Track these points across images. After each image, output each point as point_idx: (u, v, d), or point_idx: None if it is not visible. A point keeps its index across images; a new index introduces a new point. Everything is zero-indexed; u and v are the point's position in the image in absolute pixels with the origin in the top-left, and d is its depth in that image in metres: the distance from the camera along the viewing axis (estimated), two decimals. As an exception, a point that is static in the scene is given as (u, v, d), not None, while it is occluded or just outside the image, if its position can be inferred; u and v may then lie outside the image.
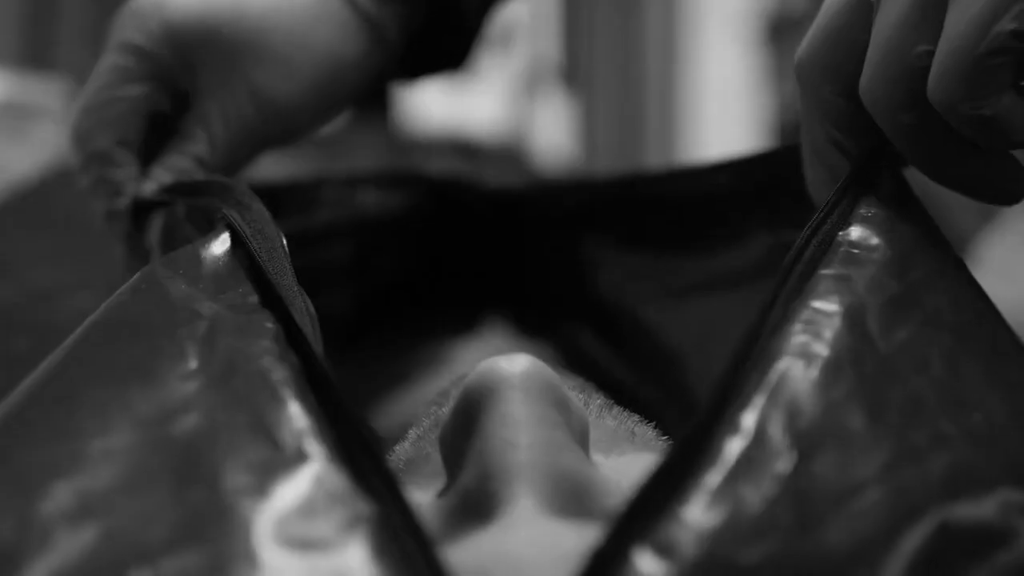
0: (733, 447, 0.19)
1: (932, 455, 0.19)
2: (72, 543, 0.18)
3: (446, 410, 0.23)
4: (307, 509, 0.18)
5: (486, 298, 0.48)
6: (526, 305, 0.48)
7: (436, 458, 0.24)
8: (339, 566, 0.17)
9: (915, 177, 0.26)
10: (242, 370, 0.21)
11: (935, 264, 0.24)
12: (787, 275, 0.22)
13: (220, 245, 0.26)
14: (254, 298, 0.24)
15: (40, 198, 0.60)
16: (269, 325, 0.23)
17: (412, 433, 0.26)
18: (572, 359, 0.43)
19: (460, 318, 0.47)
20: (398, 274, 0.46)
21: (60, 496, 0.18)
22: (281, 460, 0.19)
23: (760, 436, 0.19)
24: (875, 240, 0.23)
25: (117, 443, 0.20)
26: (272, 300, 0.23)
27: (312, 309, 0.23)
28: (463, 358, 0.43)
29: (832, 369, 0.20)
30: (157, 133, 0.35)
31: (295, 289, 0.24)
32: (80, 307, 0.24)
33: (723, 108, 1.79)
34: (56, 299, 0.47)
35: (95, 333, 0.23)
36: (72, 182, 0.63)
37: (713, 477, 0.18)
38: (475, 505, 0.21)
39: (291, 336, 0.22)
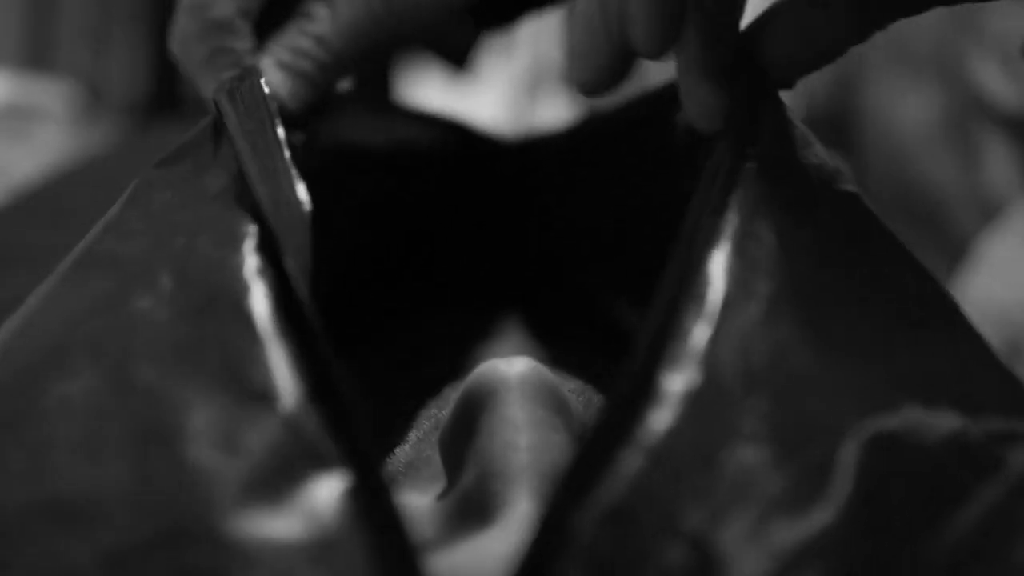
0: (677, 386, 0.17)
1: (894, 394, 0.19)
2: (27, 535, 0.16)
3: (446, 413, 0.23)
4: (277, 467, 0.17)
5: (507, 263, 0.45)
6: (552, 271, 0.46)
7: (436, 461, 0.24)
8: (313, 532, 0.16)
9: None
10: (216, 296, 0.20)
11: (846, 199, 0.23)
12: (707, 195, 0.21)
13: (206, 138, 0.24)
14: (234, 201, 0.21)
15: (61, 190, 0.60)
16: (250, 236, 0.20)
17: (412, 435, 0.26)
18: (603, 336, 0.41)
19: (478, 308, 0.45)
20: (417, 221, 0.43)
21: (14, 463, 0.17)
22: (251, 409, 0.18)
23: (710, 377, 0.18)
24: (785, 165, 0.22)
25: (77, 389, 0.18)
26: (254, 204, 0.21)
27: (305, 205, 0.21)
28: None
29: (774, 303, 0.19)
30: (272, 19, 0.33)
31: (287, 181, 0.21)
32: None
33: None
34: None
35: (78, 262, 0.22)
36: (90, 177, 0.62)
37: (659, 422, 0.17)
38: (475, 507, 0.21)
39: (272, 250, 0.20)
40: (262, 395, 0.18)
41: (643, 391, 0.17)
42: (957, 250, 0.79)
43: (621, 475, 0.16)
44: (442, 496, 0.23)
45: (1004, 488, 0.18)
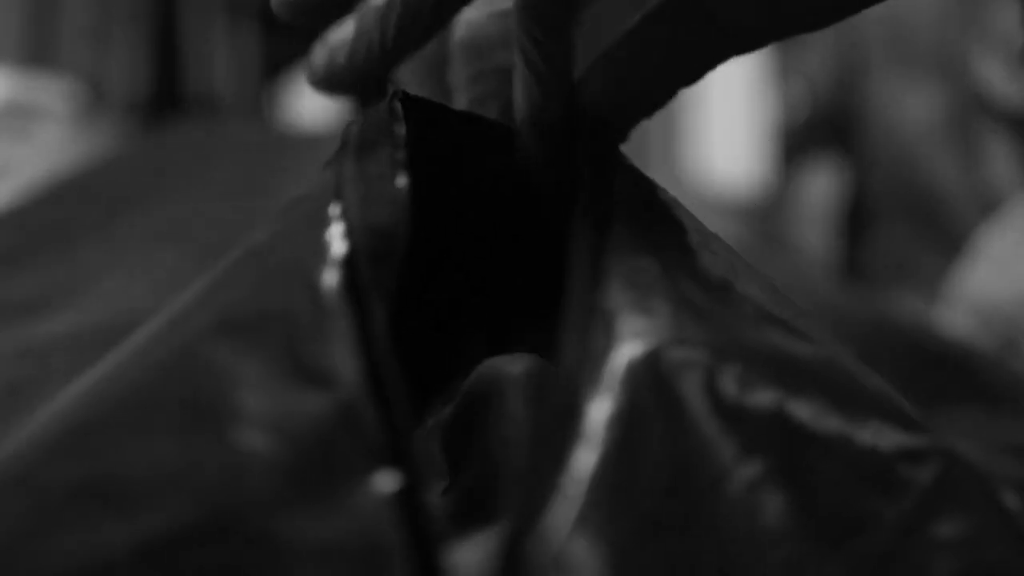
0: (600, 415, 0.17)
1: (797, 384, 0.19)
2: (67, 518, 0.16)
3: (448, 410, 0.23)
4: (327, 459, 0.16)
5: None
6: None
7: (439, 459, 0.24)
8: (357, 535, 0.15)
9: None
10: (289, 268, 0.19)
11: (691, 223, 0.23)
12: (587, 230, 0.21)
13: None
14: (329, 195, 0.20)
15: (65, 189, 0.60)
16: (336, 223, 0.19)
17: (416, 433, 0.26)
18: None
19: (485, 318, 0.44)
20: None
21: (61, 440, 0.17)
22: (307, 391, 0.17)
23: (631, 400, 0.17)
24: (644, 205, 0.22)
25: (133, 377, 0.18)
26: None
27: (403, 194, 0.20)
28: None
29: (675, 317, 0.19)
30: None
31: (387, 175, 0.20)
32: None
33: (724, 108, 1.79)
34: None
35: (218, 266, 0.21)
36: (92, 175, 0.62)
37: (588, 459, 0.16)
38: (476, 504, 0.21)
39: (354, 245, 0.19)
40: (320, 376, 0.17)
41: (569, 423, 0.17)
42: (958, 246, 0.79)
43: (562, 509, 0.16)
44: (444, 493, 0.23)
45: (910, 507, 0.18)
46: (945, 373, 0.39)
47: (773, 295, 0.22)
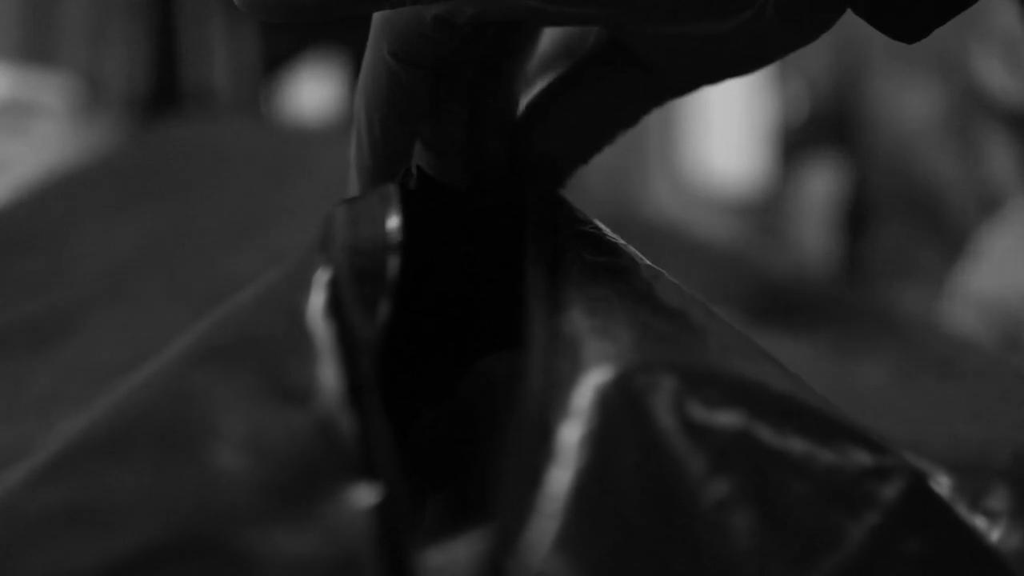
0: (573, 436, 0.17)
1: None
2: (37, 541, 0.16)
3: (446, 410, 0.23)
4: (304, 474, 0.16)
5: None
6: None
7: (434, 458, 0.24)
8: (333, 549, 0.15)
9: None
10: (270, 295, 0.19)
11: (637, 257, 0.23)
12: (540, 266, 0.21)
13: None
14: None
15: (65, 185, 0.60)
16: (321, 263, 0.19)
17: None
18: None
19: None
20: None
21: (40, 464, 0.17)
22: (285, 409, 0.17)
23: (602, 421, 0.17)
24: (590, 240, 0.22)
25: (116, 408, 0.18)
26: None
27: (393, 238, 0.20)
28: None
29: (638, 345, 0.19)
30: None
31: (380, 213, 0.20)
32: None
33: (724, 106, 1.79)
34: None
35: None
36: (93, 171, 0.62)
37: (563, 477, 0.16)
38: (472, 503, 0.21)
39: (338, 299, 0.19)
40: (299, 392, 0.17)
41: (541, 443, 0.17)
42: (957, 243, 0.79)
43: (541, 527, 0.16)
44: (437, 492, 0.23)
45: (876, 524, 0.18)
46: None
47: (724, 325, 0.22)
